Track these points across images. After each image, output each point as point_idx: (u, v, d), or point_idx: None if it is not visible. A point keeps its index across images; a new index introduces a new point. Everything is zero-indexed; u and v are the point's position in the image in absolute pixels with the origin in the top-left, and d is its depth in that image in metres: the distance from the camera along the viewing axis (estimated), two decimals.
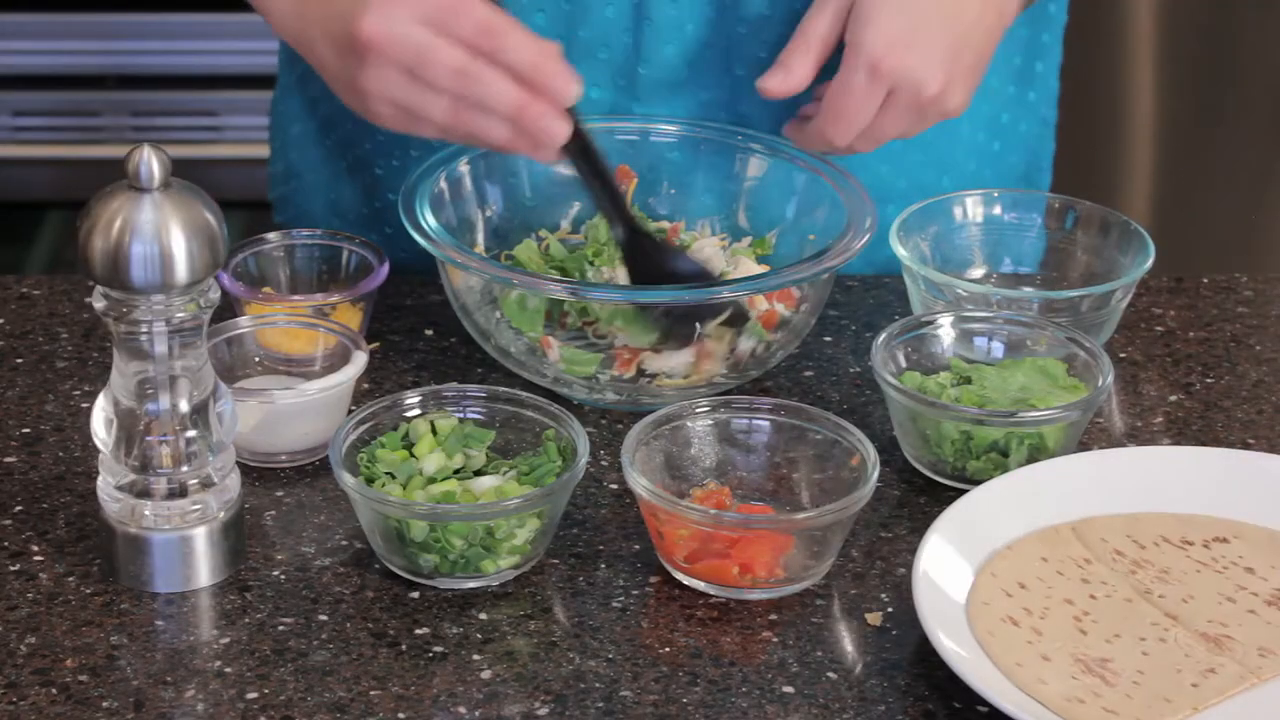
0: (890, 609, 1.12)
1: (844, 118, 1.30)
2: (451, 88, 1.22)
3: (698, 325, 1.27)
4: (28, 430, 1.26)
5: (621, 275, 1.31)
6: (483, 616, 1.11)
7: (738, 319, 1.28)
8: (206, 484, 1.13)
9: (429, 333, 1.37)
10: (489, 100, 1.22)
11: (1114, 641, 1.08)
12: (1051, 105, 1.54)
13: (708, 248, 1.35)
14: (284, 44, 1.55)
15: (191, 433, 1.11)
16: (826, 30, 1.31)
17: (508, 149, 1.26)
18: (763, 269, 1.33)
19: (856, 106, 1.29)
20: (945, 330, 1.29)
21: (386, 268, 1.33)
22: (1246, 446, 1.27)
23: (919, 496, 1.22)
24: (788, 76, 1.32)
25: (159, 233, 1.06)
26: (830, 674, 1.08)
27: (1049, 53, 1.52)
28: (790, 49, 1.32)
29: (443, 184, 1.33)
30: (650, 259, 1.30)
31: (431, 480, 1.16)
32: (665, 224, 1.39)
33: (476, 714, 1.05)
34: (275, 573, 1.14)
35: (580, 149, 1.27)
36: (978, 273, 1.41)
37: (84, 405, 1.28)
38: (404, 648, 1.09)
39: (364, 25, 1.22)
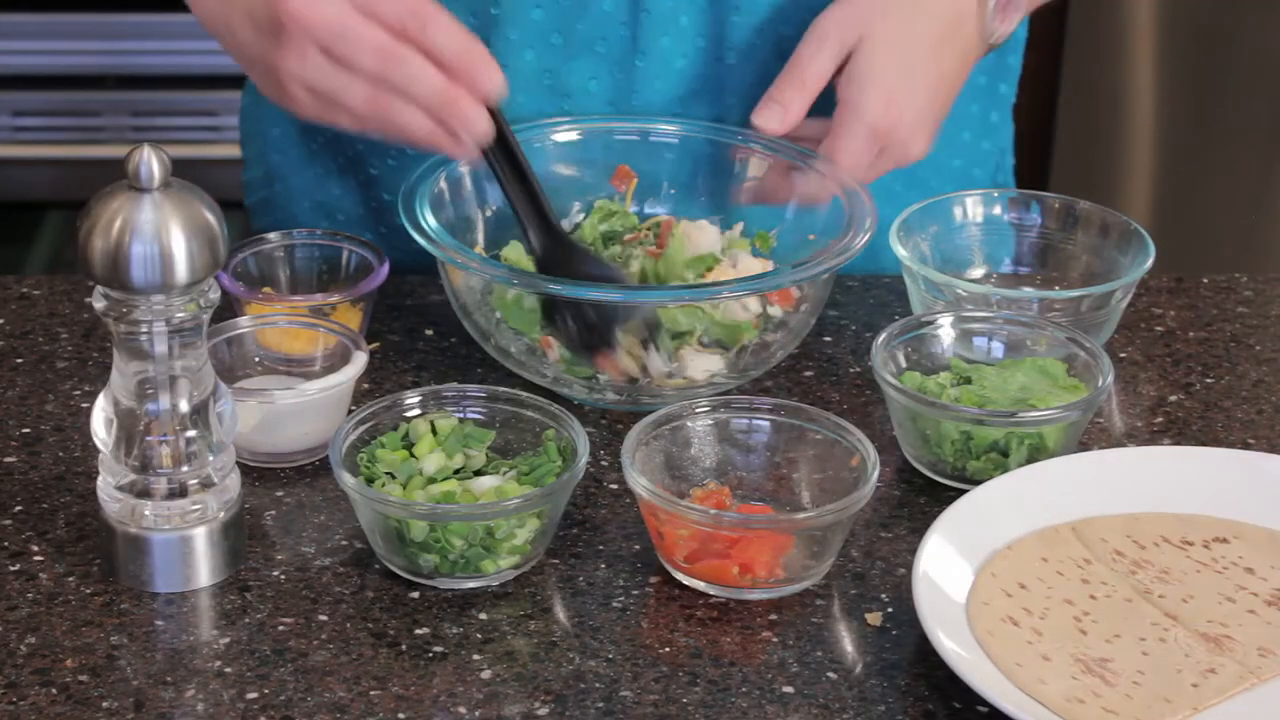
0: (890, 609, 1.12)
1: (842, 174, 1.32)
2: (372, 68, 1.20)
3: (616, 332, 1.25)
4: (28, 430, 1.26)
5: None
6: (483, 616, 1.11)
7: (650, 328, 1.26)
8: (206, 484, 1.13)
9: (429, 333, 1.37)
10: (410, 84, 1.20)
11: (1114, 641, 1.08)
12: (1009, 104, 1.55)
13: (699, 231, 1.34)
14: None
15: (191, 433, 1.11)
16: (823, 71, 1.32)
17: (425, 142, 1.23)
18: (762, 264, 1.33)
19: (854, 164, 1.32)
20: (945, 330, 1.29)
21: (386, 268, 1.33)
22: (1246, 446, 1.27)
23: (919, 496, 1.22)
24: (785, 115, 1.33)
25: (159, 233, 1.06)
26: (830, 674, 1.08)
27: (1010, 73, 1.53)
28: (785, 83, 1.33)
29: (443, 184, 1.33)
30: (569, 266, 1.27)
31: (431, 480, 1.16)
32: (662, 216, 1.38)
33: (476, 714, 1.05)
34: (275, 573, 1.14)
35: (501, 148, 1.26)
36: (978, 273, 1.41)
37: (84, 405, 1.28)
38: (404, 648, 1.09)
39: (289, 2, 1.21)
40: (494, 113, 1.23)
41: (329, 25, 1.20)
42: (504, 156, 1.27)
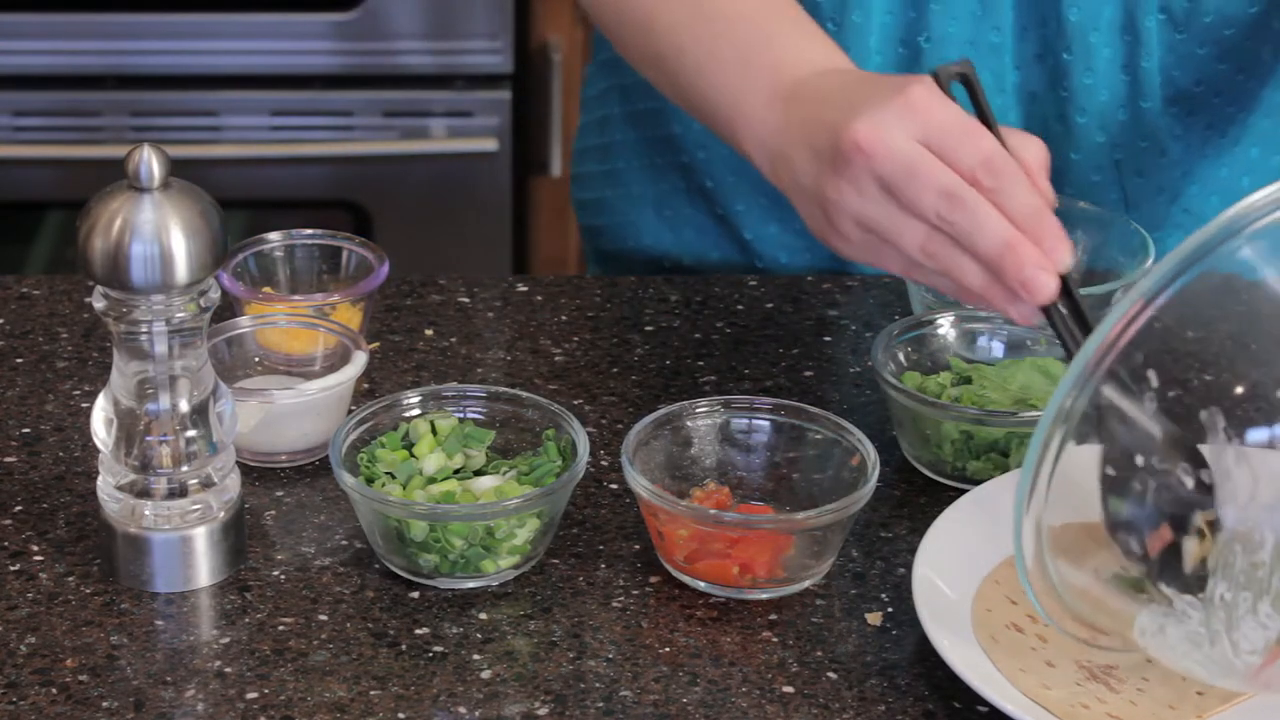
0: (890, 609, 1.12)
1: None
2: (935, 212, 1.09)
3: None
4: (28, 430, 1.26)
5: None
6: (483, 616, 1.11)
7: None
8: (206, 484, 1.13)
9: (429, 333, 1.37)
10: (975, 232, 1.09)
11: None
12: None
13: None
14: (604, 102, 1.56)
15: (191, 433, 1.11)
16: None
17: (976, 296, 1.11)
18: None
19: None
20: (945, 330, 1.29)
21: (386, 267, 1.33)
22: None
23: (919, 496, 1.22)
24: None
25: (159, 233, 1.06)
26: (830, 674, 1.08)
27: None
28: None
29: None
30: None
31: (431, 480, 1.16)
32: None
33: (476, 714, 1.05)
34: (275, 573, 1.14)
35: (1068, 307, 1.10)
36: None
37: (84, 405, 1.28)
38: (404, 648, 1.09)
39: (857, 129, 1.10)
40: (1063, 280, 1.10)
41: (895, 159, 1.10)
42: (1071, 316, 1.11)
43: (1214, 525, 1.01)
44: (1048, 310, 1.10)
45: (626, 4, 1.29)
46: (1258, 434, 1.00)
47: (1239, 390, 1.02)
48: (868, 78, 1.18)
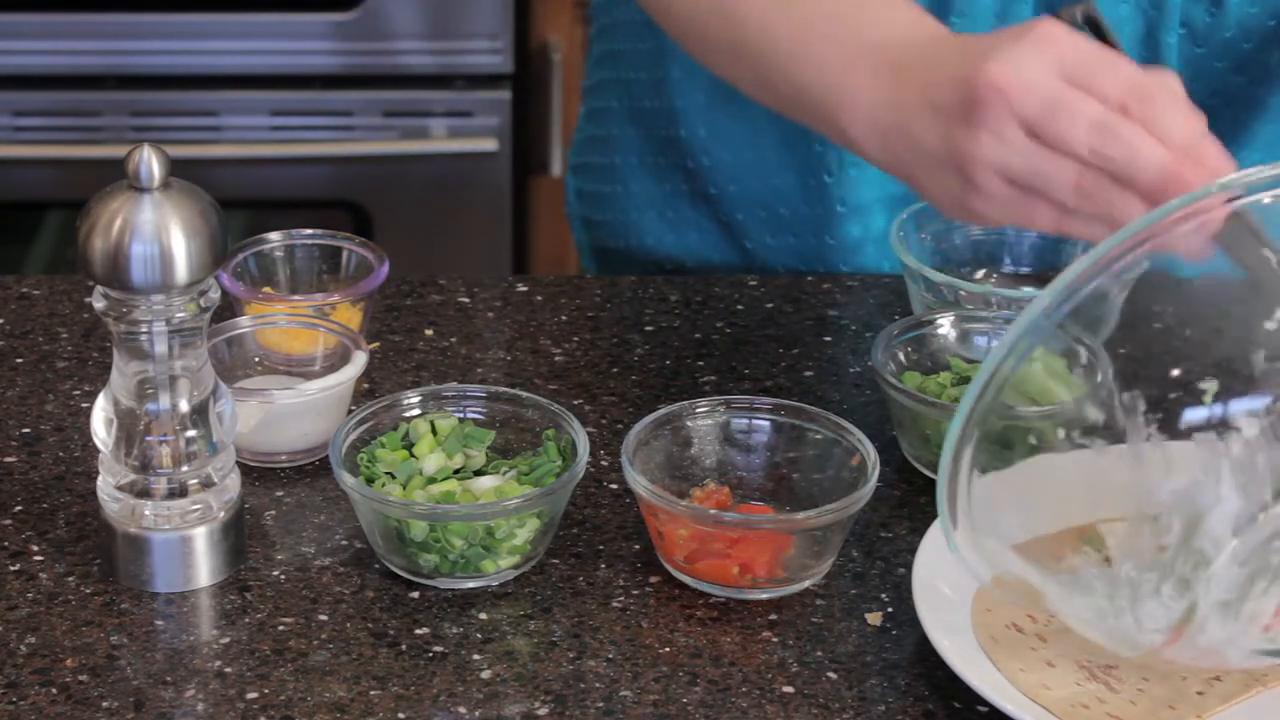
0: (890, 609, 1.12)
1: None
2: (1087, 147, 1.04)
3: None
4: (28, 430, 1.26)
5: None
6: (483, 616, 1.11)
7: None
8: (206, 484, 1.13)
9: (429, 333, 1.37)
10: (1134, 162, 1.03)
11: None
12: None
13: None
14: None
15: (191, 433, 1.11)
16: None
17: (1143, 243, 1.03)
18: None
19: None
20: (945, 330, 1.29)
21: (386, 267, 1.33)
22: None
23: (919, 496, 1.22)
24: None
25: (159, 233, 1.06)
26: (830, 674, 1.08)
27: None
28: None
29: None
30: None
31: (431, 480, 1.16)
32: None
33: (476, 714, 1.05)
34: (275, 573, 1.14)
35: (1247, 234, 1.03)
36: (978, 273, 1.41)
37: (84, 405, 1.28)
38: (404, 648, 1.09)
39: (990, 70, 1.05)
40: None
41: (1036, 96, 1.05)
42: (1251, 242, 1.04)
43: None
44: (1224, 238, 1.02)
45: None
46: (1176, 421, 0.99)
47: (1162, 377, 1.02)
48: (980, 36, 1.12)
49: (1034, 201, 1.07)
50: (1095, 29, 1.10)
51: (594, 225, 1.58)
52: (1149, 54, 1.38)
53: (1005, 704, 1.02)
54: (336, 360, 1.26)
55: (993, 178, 1.07)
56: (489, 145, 2.43)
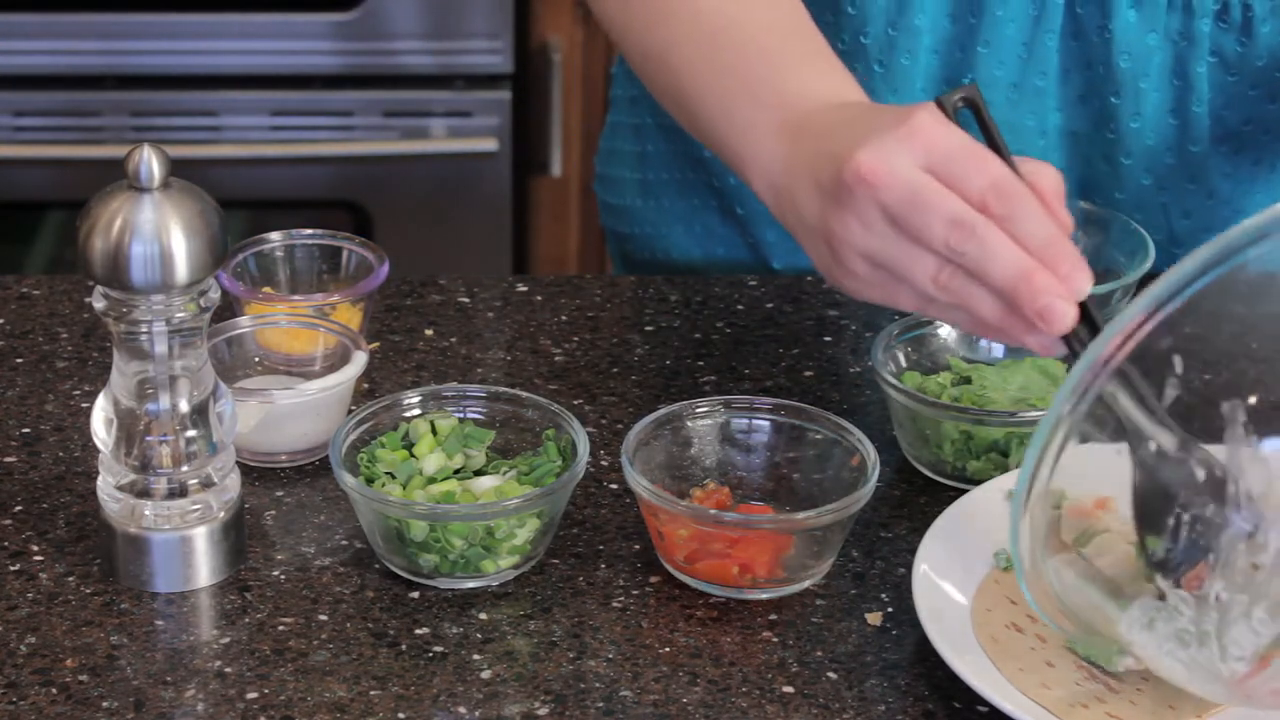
0: (890, 609, 1.12)
1: None
2: (944, 242, 1.05)
3: None
4: (28, 430, 1.26)
5: None
6: (483, 616, 1.11)
7: None
8: (206, 484, 1.13)
9: (429, 333, 1.37)
10: (987, 261, 1.04)
11: None
12: None
13: None
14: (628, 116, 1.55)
15: (191, 433, 1.11)
16: None
17: (993, 330, 1.07)
18: None
19: None
20: (945, 330, 1.29)
21: (386, 267, 1.33)
22: None
23: (919, 496, 1.22)
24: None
25: (159, 233, 1.06)
26: (830, 674, 1.08)
27: None
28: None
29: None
30: (1175, 463, 1.04)
31: (431, 480, 1.16)
32: None
33: (476, 714, 1.05)
34: (275, 573, 1.14)
35: (1089, 334, 1.06)
36: None
37: (84, 405, 1.28)
38: (404, 648, 1.09)
39: (859, 158, 1.06)
40: (1082, 306, 1.06)
41: (899, 187, 1.06)
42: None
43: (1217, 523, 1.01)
44: (1067, 339, 1.06)
45: (646, 41, 1.27)
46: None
47: (1266, 387, 1.01)
48: (873, 109, 1.15)
49: (897, 285, 1.09)
50: (976, 112, 1.10)
51: (623, 238, 1.58)
52: (1180, 83, 1.38)
53: (1005, 704, 1.02)
54: (336, 360, 1.26)
55: (857, 259, 1.09)
56: (489, 145, 2.43)
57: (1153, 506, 1.03)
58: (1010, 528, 1.01)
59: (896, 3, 1.37)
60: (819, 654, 1.09)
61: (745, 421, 1.20)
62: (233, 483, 1.14)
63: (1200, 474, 1.01)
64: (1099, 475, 1.18)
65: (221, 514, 1.13)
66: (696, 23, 1.23)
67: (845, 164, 1.07)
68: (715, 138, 1.21)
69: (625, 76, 1.57)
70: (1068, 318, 1.04)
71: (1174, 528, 1.02)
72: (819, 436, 1.18)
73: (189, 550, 1.13)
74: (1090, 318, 1.06)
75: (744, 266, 1.51)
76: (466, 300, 1.41)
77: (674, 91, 1.25)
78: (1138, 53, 1.36)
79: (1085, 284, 1.05)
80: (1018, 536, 1.01)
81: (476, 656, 1.08)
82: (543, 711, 1.05)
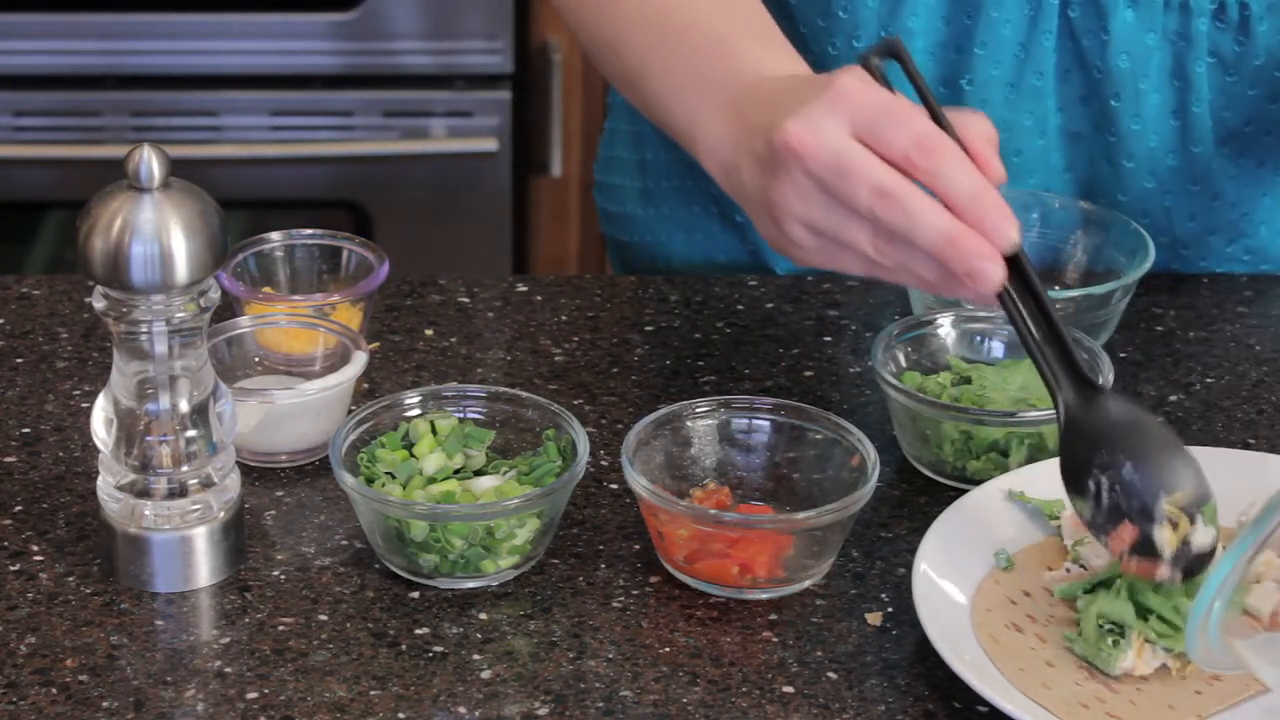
0: (890, 609, 1.12)
1: None
2: (870, 211, 1.06)
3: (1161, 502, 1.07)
4: (28, 430, 1.26)
5: None
6: (483, 616, 1.11)
7: (1203, 497, 1.07)
8: (206, 484, 1.13)
9: (429, 333, 1.37)
10: (911, 229, 1.05)
11: None
12: None
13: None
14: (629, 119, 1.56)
15: (191, 433, 1.11)
16: None
17: (939, 288, 1.08)
18: None
19: None
20: (945, 330, 1.29)
21: (386, 267, 1.33)
22: (1246, 446, 1.27)
23: (919, 496, 1.22)
24: None
25: (159, 233, 1.06)
26: (830, 674, 1.08)
27: None
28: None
29: None
30: (1107, 425, 1.07)
31: (431, 480, 1.16)
32: None
33: (476, 714, 1.05)
34: (275, 573, 1.14)
35: (1022, 295, 1.08)
36: None
37: (84, 405, 1.28)
38: (404, 648, 1.09)
39: (786, 128, 1.07)
40: (1014, 257, 1.07)
41: (825, 156, 1.06)
42: (1026, 301, 1.09)
43: None
44: (1000, 296, 1.07)
45: (598, 27, 1.29)
46: None
47: None
48: (807, 79, 1.15)
49: (841, 251, 1.09)
50: (902, 64, 1.11)
51: (622, 246, 1.58)
52: (1179, 83, 1.38)
53: (1005, 704, 1.02)
54: (336, 360, 1.26)
55: (798, 228, 1.09)
56: (489, 145, 2.43)
57: None
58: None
59: (889, 6, 1.37)
60: (819, 654, 1.09)
61: (745, 421, 1.20)
62: (233, 483, 1.14)
63: None
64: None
65: (221, 514, 1.13)
66: (644, 8, 1.25)
67: (774, 135, 1.08)
68: (667, 121, 1.22)
69: None
70: (996, 276, 1.05)
71: None
72: (819, 436, 1.18)
73: (189, 550, 1.13)
74: (1021, 268, 1.07)
75: (744, 272, 1.50)
76: (466, 300, 1.41)
77: (626, 76, 1.27)
78: (1136, 53, 1.36)
79: (1011, 236, 1.06)
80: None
81: (476, 656, 1.08)
82: (543, 711, 1.05)
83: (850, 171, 1.06)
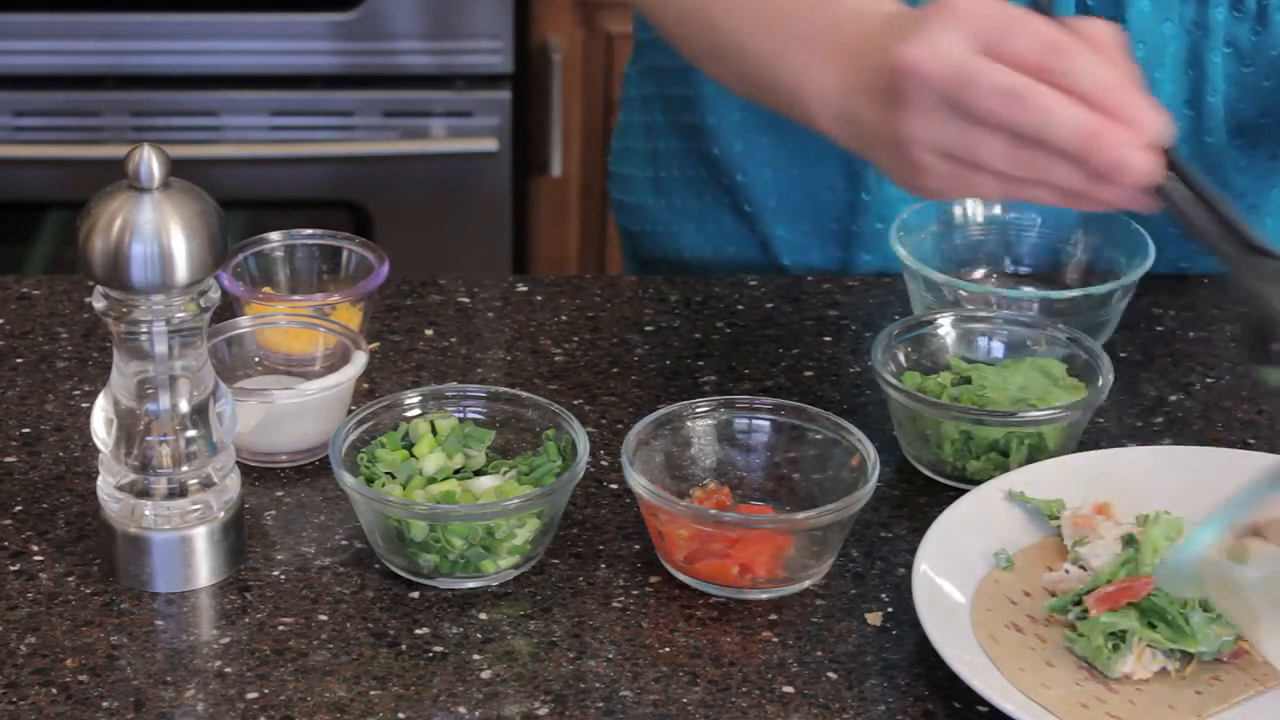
0: (890, 609, 1.12)
1: None
2: (1000, 117, 1.02)
3: None
4: (28, 430, 1.26)
5: None
6: (483, 616, 1.11)
7: None
8: (206, 484, 1.13)
9: (429, 333, 1.37)
10: (1047, 126, 1.01)
11: None
12: None
13: None
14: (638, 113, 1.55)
15: (191, 433, 1.11)
16: None
17: (1084, 199, 1.03)
18: None
19: None
20: (945, 330, 1.29)
21: (386, 267, 1.33)
22: (1246, 446, 1.27)
23: (919, 496, 1.22)
24: None
25: (159, 233, 1.06)
26: (830, 674, 1.08)
27: None
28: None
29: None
30: None
31: (431, 480, 1.16)
32: None
33: (476, 714, 1.05)
34: (275, 573, 1.14)
35: (1181, 190, 1.03)
36: (978, 273, 1.41)
37: (84, 405, 1.28)
38: (404, 648, 1.09)
39: (903, 52, 1.05)
40: (1166, 152, 1.03)
41: (948, 72, 1.03)
42: (1188, 196, 1.04)
43: None
44: (1161, 192, 1.01)
45: (683, 6, 1.26)
46: None
47: None
48: (911, 11, 1.12)
49: (975, 173, 1.06)
50: None
51: (634, 236, 1.58)
52: (1194, 73, 1.37)
53: (1005, 704, 1.02)
54: (336, 360, 1.26)
55: (929, 155, 1.07)
56: (489, 145, 2.43)
57: None
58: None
59: None
60: (819, 654, 1.09)
61: (745, 421, 1.20)
62: (233, 483, 1.14)
63: None
64: (1091, 482, 1.18)
65: (221, 514, 1.13)
66: None
67: (892, 62, 1.05)
68: (769, 83, 1.19)
69: (637, 76, 1.57)
70: (1145, 164, 1.01)
71: None
72: (819, 436, 1.18)
73: (189, 550, 1.13)
74: (1179, 169, 1.02)
75: (755, 263, 1.50)
76: (466, 300, 1.41)
77: (722, 49, 1.23)
78: (1152, 42, 1.36)
79: (1161, 127, 1.02)
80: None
81: (476, 656, 1.08)
82: (543, 711, 1.05)
83: (975, 81, 1.03)
